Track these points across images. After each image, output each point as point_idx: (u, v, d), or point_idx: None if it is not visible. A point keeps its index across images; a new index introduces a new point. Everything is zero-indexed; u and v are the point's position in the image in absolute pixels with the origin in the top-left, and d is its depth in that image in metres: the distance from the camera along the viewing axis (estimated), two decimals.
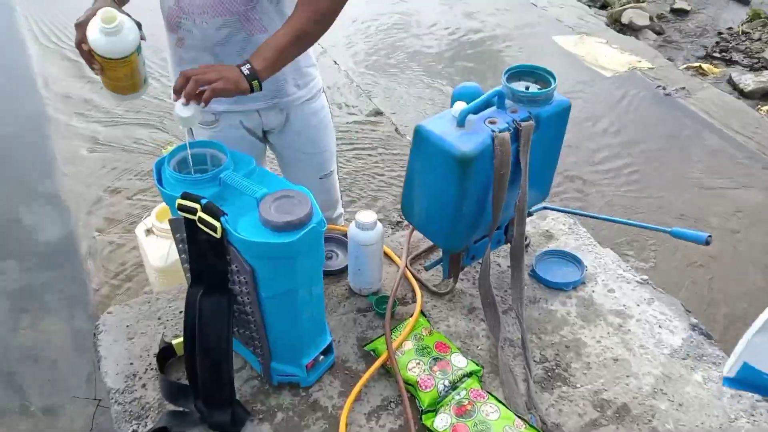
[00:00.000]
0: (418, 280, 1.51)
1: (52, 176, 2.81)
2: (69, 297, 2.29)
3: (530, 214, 1.63)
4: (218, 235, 1.05)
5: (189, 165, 1.22)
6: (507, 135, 1.25)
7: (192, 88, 1.19)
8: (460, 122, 1.26)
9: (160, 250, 1.82)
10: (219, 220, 1.04)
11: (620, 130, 3.37)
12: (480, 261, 1.44)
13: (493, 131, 1.24)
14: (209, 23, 1.41)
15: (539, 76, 1.34)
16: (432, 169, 1.29)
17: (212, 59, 1.47)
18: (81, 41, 1.24)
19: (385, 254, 1.57)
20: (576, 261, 1.54)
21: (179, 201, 1.08)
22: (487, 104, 1.30)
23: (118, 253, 2.42)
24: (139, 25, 1.28)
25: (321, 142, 1.70)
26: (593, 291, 1.49)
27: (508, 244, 1.47)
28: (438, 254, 1.57)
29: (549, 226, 1.68)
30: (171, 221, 1.15)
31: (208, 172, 1.14)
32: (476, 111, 1.29)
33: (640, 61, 4.10)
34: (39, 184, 2.78)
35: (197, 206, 1.06)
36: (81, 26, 1.23)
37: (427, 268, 1.53)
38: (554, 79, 1.31)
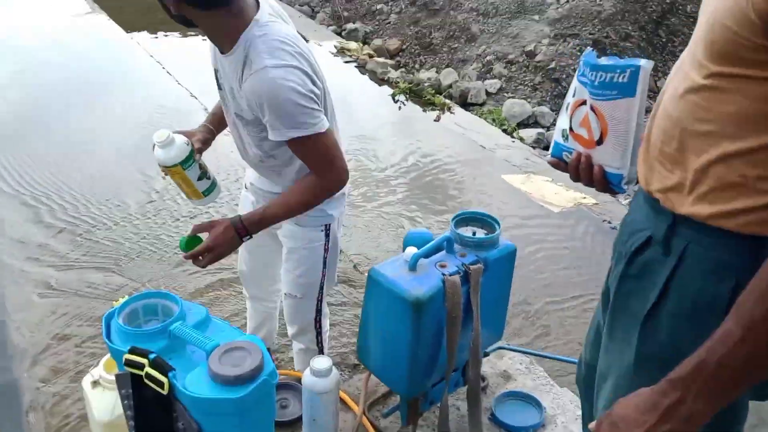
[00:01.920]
0: (376, 428, 1.46)
1: None
2: None
3: (486, 354, 1.64)
4: (165, 392, 1.02)
5: (139, 316, 1.21)
6: (457, 278, 1.28)
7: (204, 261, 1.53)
8: (412, 266, 1.30)
9: (106, 402, 1.72)
10: (167, 376, 1.02)
11: (571, 263, 3.47)
12: (439, 405, 1.42)
13: (443, 274, 1.28)
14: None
15: (485, 221, 1.41)
16: (386, 313, 1.31)
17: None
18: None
19: (342, 400, 1.53)
20: (535, 402, 1.52)
21: (126, 356, 1.06)
22: (437, 249, 1.35)
23: (63, 405, 2.28)
24: (196, 150, 1.58)
25: (296, 266, 1.73)
26: None
27: (467, 386, 1.46)
28: (397, 398, 1.54)
29: (506, 366, 1.68)
30: (117, 376, 1.12)
31: (158, 325, 1.13)
32: (427, 255, 1.33)
33: (584, 197, 4.33)
34: None
35: (145, 361, 1.04)
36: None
37: (384, 416, 1.49)
38: (498, 225, 1.38)
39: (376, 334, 1.36)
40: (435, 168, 4.52)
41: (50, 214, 3.51)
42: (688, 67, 0.84)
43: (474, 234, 1.39)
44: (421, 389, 1.38)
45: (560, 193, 4.38)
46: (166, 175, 1.59)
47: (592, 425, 0.86)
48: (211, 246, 1.48)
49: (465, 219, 1.43)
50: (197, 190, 1.61)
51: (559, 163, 1.09)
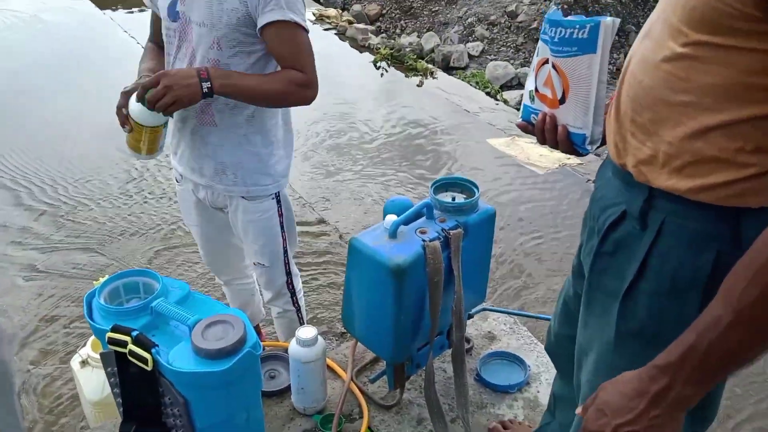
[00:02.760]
0: (364, 393, 1.48)
1: None
2: None
3: (470, 316, 1.65)
4: (149, 368, 1.03)
5: (121, 295, 1.21)
6: (437, 243, 1.29)
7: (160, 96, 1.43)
8: (392, 234, 1.30)
9: (95, 382, 1.73)
10: (150, 352, 1.02)
11: (556, 223, 3.50)
12: (425, 368, 1.44)
13: (423, 240, 1.28)
14: None
15: (464, 186, 1.41)
16: (368, 281, 1.31)
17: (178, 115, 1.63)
18: (122, 106, 1.50)
19: (330, 368, 1.55)
20: (519, 362, 1.55)
21: (109, 334, 1.06)
22: (417, 215, 1.35)
23: (54, 387, 2.29)
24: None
25: (255, 238, 1.75)
26: (538, 391, 1.49)
27: (452, 348, 1.48)
28: (383, 364, 1.56)
29: (491, 327, 1.70)
30: (102, 355, 1.12)
31: (140, 301, 1.13)
32: (407, 222, 1.33)
33: (569, 158, 4.33)
34: None
35: (128, 339, 1.04)
36: (127, 94, 1.50)
37: (372, 381, 1.51)
38: (477, 189, 1.38)
39: (360, 302, 1.37)
40: (419, 134, 4.51)
41: (30, 197, 3.47)
42: (662, 33, 0.81)
43: (453, 199, 1.39)
44: (406, 354, 1.40)
45: (545, 155, 4.38)
46: (132, 132, 1.53)
47: (578, 410, 0.85)
48: (169, 84, 1.41)
49: (444, 184, 1.42)
50: (158, 146, 1.60)
51: (527, 126, 1.07)
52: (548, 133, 1.02)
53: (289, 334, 1.94)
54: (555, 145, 1.02)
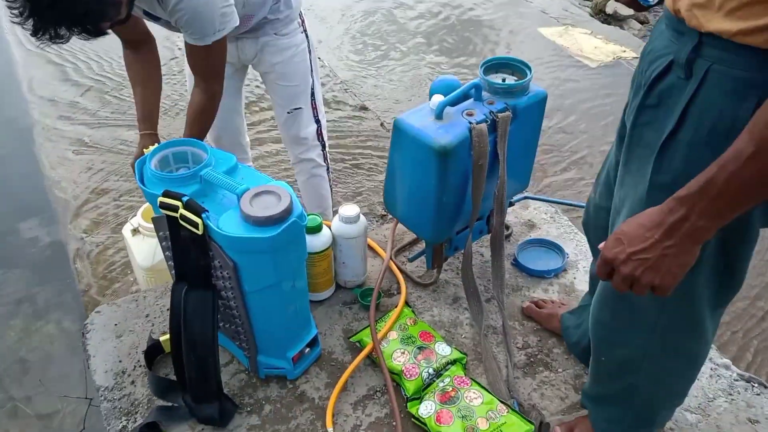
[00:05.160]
0: (402, 271, 1.52)
1: (39, 180, 2.81)
2: (58, 299, 2.29)
3: (512, 204, 1.66)
4: (200, 232, 1.07)
5: (170, 163, 1.24)
6: (484, 126, 1.26)
7: None
8: (438, 115, 1.28)
9: (146, 249, 1.82)
10: (200, 217, 1.06)
11: (609, 118, 3.39)
12: (463, 251, 1.46)
13: (470, 123, 1.26)
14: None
15: (515, 67, 1.36)
16: (412, 161, 1.31)
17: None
18: None
19: (370, 247, 1.59)
20: (557, 249, 1.56)
21: (161, 199, 1.10)
22: (464, 96, 1.32)
23: (106, 254, 2.42)
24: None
25: (289, 76, 1.77)
26: (574, 278, 1.51)
27: (491, 233, 1.49)
28: (422, 246, 1.59)
29: (531, 216, 1.70)
30: (154, 219, 1.16)
31: (189, 170, 1.15)
32: (454, 103, 1.30)
33: (624, 51, 4.12)
34: (26, 188, 2.78)
35: (179, 204, 1.08)
36: None
37: (410, 260, 1.54)
38: (530, 70, 1.33)
39: (403, 183, 1.37)
40: (466, 21, 4.32)
41: (77, 72, 3.51)
42: None
43: (504, 80, 1.34)
44: (445, 235, 1.42)
45: (599, 47, 4.17)
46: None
47: (600, 245, 0.88)
48: None
49: (495, 65, 1.37)
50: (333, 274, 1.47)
51: None
52: None
53: (318, 202, 1.98)
54: None
